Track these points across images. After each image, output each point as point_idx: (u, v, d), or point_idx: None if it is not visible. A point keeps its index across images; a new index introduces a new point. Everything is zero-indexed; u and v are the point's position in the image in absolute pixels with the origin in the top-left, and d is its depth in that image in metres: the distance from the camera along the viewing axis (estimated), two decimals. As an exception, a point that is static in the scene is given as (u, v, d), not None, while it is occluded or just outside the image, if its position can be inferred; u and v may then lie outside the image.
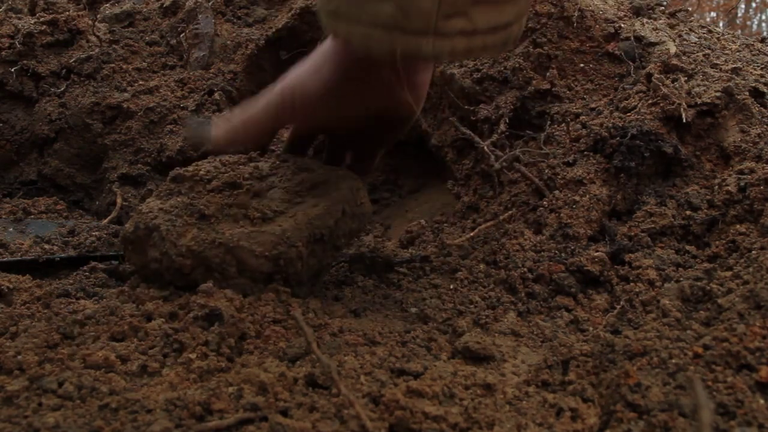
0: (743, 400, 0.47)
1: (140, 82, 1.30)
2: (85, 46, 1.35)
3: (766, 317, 0.53)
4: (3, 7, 1.43)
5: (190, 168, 0.77)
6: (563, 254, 0.81)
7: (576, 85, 1.09)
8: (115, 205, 1.16)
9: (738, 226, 0.78)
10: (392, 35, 0.60)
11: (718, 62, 1.03)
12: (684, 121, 0.92)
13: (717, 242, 0.78)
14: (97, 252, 0.92)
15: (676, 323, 0.61)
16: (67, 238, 0.95)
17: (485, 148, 1.06)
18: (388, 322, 0.70)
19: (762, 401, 0.46)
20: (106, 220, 1.11)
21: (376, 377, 0.55)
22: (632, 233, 0.84)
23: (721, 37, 1.17)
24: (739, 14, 8.35)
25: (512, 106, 1.09)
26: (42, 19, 1.36)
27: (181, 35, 1.38)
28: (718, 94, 0.94)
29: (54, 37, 1.35)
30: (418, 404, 0.49)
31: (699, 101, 0.94)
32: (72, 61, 1.31)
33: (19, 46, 1.32)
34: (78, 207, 1.26)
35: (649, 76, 1.00)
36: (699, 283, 0.66)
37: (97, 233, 0.98)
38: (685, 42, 1.10)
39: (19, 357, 0.53)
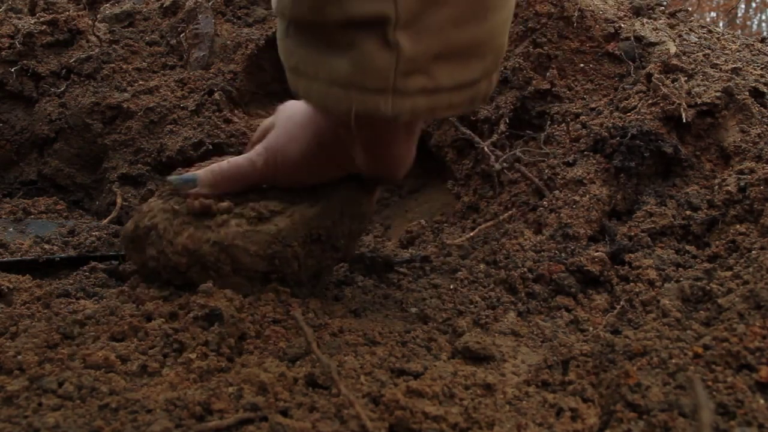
0: (743, 400, 0.47)
1: (140, 82, 1.30)
2: (85, 46, 1.35)
3: (766, 317, 0.53)
4: (3, 7, 1.43)
5: (192, 169, 0.77)
6: (563, 254, 0.81)
7: (576, 85, 1.09)
8: (115, 205, 1.16)
9: (738, 226, 0.78)
10: (349, 93, 0.58)
11: (718, 62, 1.03)
12: (684, 121, 0.92)
13: (717, 242, 0.78)
14: (97, 252, 0.92)
15: (676, 323, 0.61)
16: (67, 238, 0.95)
17: (485, 148, 1.06)
18: (388, 322, 0.70)
19: (762, 401, 0.46)
20: (106, 220, 1.11)
21: (376, 377, 0.55)
22: (632, 233, 0.84)
23: (721, 37, 1.17)
24: (739, 14, 8.35)
25: (512, 106, 1.09)
26: (42, 19, 1.36)
27: (181, 35, 1.38)
28: (718, 94, 0.94)
29: (54, 37, 1.35)
30: (418, 404, 0.49)
31: (699, 101, 0.94)
32: (72, 61, 1.32)
33: (19, 46, 1.32)
34: (78, 207, 1.26)
35: (649, 76, 1.00)
36: (699, 283, 0.66)
37: (97, 233, 0.98)
38: (685, 42, 1.10)
39: (19, 357, 0.53)
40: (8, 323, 0.61)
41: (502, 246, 0.88)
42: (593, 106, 1.04)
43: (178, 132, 1.22)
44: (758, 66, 1.04)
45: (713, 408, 0.46)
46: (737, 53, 1.09)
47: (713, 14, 8.16)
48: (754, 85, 0.96)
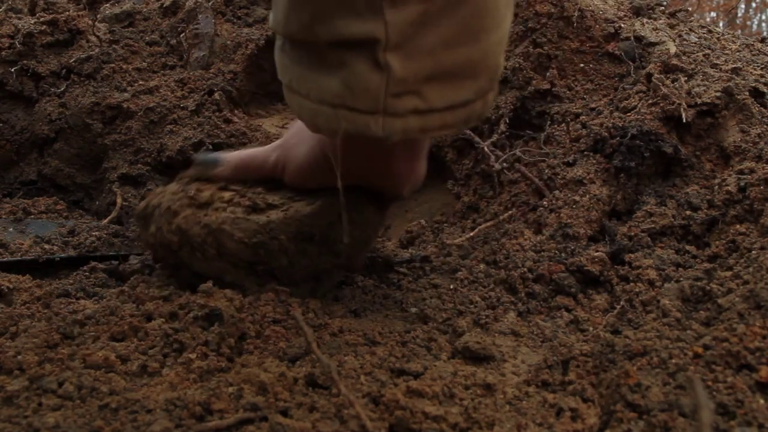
0: (743, 400, 0.47)
1: (140, 82, 1.30)
2: (85, 46, 1.35)
3: (766, 317, 0.53)
4: (3, 7, 1.43)
5: None
6: (563, 254, 0.81)
7: (576, 85, 1.09)
8: (115, 205, 1.16)
9: (738, 226, 0.78)
10: (338, 113, 0.58)
11: (718, 62, 1.03)
12: (684, 121, 0.92)
13: (717, 242, 0.78)
14: (97, 252, 0.92)
15: (676, 323, 0.61)
16: (67, 238, 0.95)
17: (485, 148, 1.06)
18: (388, 322, 0.70)
19: (762, 401, 0.46)
20: (106, 220, 1.11)
21: (376, 377, 0.55)
22: (632, 233, 0.84)
23: (721, 37, 1.17)
24: (739, 14, 8.35)
25: (512, 106, 1.09)
26: (42, 19, 1.36)
27: (181, 35, 1.38)
28: (718, 94, 0.94)
29: (54, 37, 1.35)
30: (418, 404, 0.49)
31: (699, 101, 0.94)
32: (72, 61, 1.31)
33: (19, 46, 1.32)
34: (78, 207, 1.26)
35: (649, 76, 1.00)
36: (699, 283, 0.66)
37: (97, 233, 0.98)
38: (685, 42, 1.10)
39: (19, 357, 0.53)
40: (8, 323, 0.61)
41: (502, 246, 0.88)
42: (593, 106, 1.04)
43: (178, 132, 1.22)
44: (758, 66, 1.04)
45: (713, 408, 0.46)
46: (737, 53, 1.09)
47: (713, 14, 8.16)
48: (754, 85, 0.96)
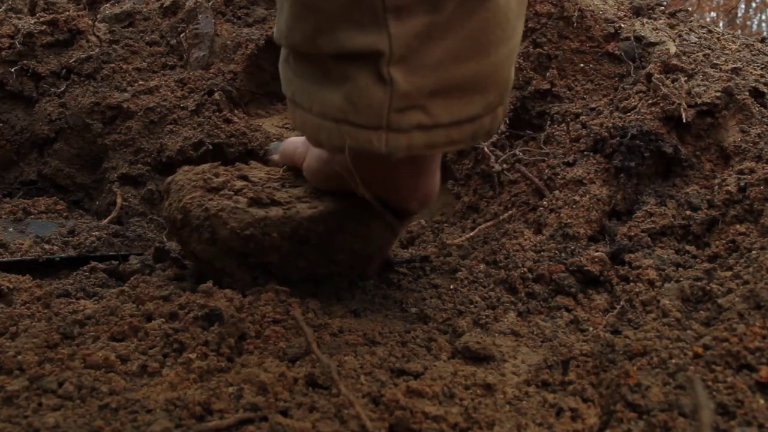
0: (743, 400, 0.47)
1: (140, 82, 1.30)
2: (85, 46, 1.35)
3: (766, 317, 0.53)
4: (3, 7, 1.43)
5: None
6: (563, 254, 0.81)
7: (576, 85, 1.09)
8: (115, 205, 1.16)
9: (738, 226, 0.78)
10: (341, 128, 0.56)
11: (718, 62, 1.03)
12: (684, 121, 0.92)
13: (717, 242, 0.78)
14: (97, 252, 0.92)
15: (676, 323, 0.61)
16: (67, 238, 0.95)
17: (485, 148, 1.06)
18: (388, 322, 0.70)
19: (762, 401, 0.46)
20: (106, 220, 1.11)
21: (376, 377, 0.55)
22: (632, 233, 0.84)
23: (721, 37, 1.17)
24: (739, 14, 8.35)
25: (512, 106, 1.09)
26: (42, 19, 1.36)
27: (181, 35, 1.38)
28: (718, 94, 0.94)
29: (54, 37, 1.35)
30: (418, 404, 0.49)
31: (699, 101, 0.94)
32: (72, 61, 1.31)
33: (19, 46, 1.32)
34: (78, 207, 1.26)
35: (649, 76, 1.00)
36: (699, 283, 0.66)
37: (97, 233, 0.98)
38: (685, 42, 1.10)
39: (19, 357, 0.53)
40: (8, 323, 0.61)
41: (502, 246, 0.88)
42: (593, 106, 1.04)
43: (178, 132, 1.22)
44: (758, 66, 1.04)
45: (713, 408, 0.46)
46: (737, 53, 1.09)
47: (713, 14, 8.16)
48: (754, 85, 0.96)
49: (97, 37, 1.36)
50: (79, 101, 1.27)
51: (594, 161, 0.94)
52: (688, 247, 0.80)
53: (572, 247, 0.82)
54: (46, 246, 0.91)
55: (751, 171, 0.83)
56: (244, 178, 0.76)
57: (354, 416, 0.47)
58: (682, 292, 0.66)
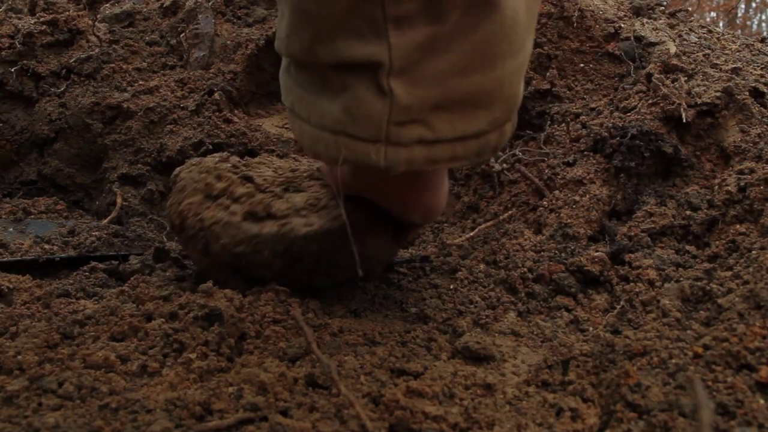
0: (743, 400, 0.47)
1: (140, 82, 1.30)
2: (85, 46, 1.35)
3: (766, 317, 0.53)
4: (3, 7, 1.43)
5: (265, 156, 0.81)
6: (563, 254, 0.81)
7: (576, 85, 1.09)
8: (115, 205, 1.16)
9: (738, 226, 0.78)
10: (339, 140, 0.55)
11: (718, 62, 1.03)
12: (684, 121, 0.92)
13: (717, 242, 0.78)
14: (97, 252, 0.92)
15: (676, 323, 0.61)
16: (67, 238, 0.95)
17: (485, 148, 1.06)
18: (388, 322, 0.70)
19: (762, 401, 0.46)
20: (106, 220, 1.11)
21: (376, 377, 0.55)
22: (632, 233, 0.84)
23: (721, 37, 1.17)
24: (739, 14, 8.35)
25: (512, 106, 1.09)
26: (42, 19, 1.36)
27: (181, 35, 1.38)
28: (718, 94, 0.94)
29: (54, 37, 1.35)
30: (418, 404, 0.49)
31: (699, 101, 0.94)
32: (72, 61, 1.32)
33: (19, 46, 1.32)
34: (78, 207, 1.26)
35: (649, 76, 1.00)
36: (699, 283, 0.66)
37: (97, 233, 0.98)
38: (685, 42, 1.10)
39: (19, 357, 0.53)
40: (8, 323, 0.61)
41: (502, 246, 0.88)
42: (593, 106, 1.04)
43: (178, 132, 1.22)
44: (758, 66, 1.04)
45: (713, 408, 0.46)
46: (737, 53, 1.09)
47: (713, 14, 8.17)
48: (754, 85, 0.96)
49: (97, 37, 1.36)
50: (79, 101, 1.27)
51: (594, 161, 0.94)
52: (688, 247, 0.80)
53: (572, 247, 0.82)
54: (46, 246, 0.91)
55: (751, 171, 0.83)
56: (249, 179, 0.72)
57: (354, 416, 0.47)
58: (682, 292, 0.66)
